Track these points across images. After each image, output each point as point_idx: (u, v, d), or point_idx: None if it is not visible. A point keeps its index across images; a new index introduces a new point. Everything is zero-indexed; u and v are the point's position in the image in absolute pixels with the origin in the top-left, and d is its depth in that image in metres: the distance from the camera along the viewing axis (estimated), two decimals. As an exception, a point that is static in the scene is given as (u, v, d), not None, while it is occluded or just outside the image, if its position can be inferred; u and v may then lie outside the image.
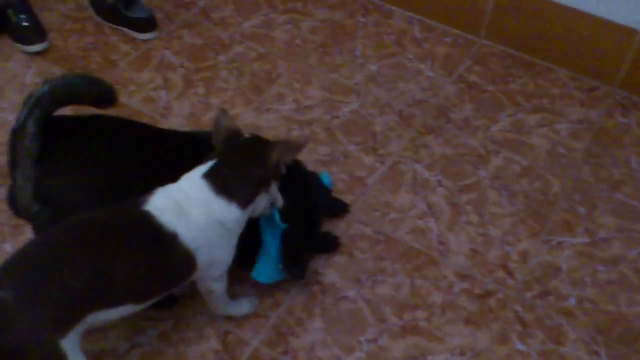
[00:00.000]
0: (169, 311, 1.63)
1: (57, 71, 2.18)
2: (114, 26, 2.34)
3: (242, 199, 1.36)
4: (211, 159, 1.38)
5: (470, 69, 2.27)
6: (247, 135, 1.43)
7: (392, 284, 1.72)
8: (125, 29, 2.32)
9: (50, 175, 1.37)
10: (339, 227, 1.82)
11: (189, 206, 1.32)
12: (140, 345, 1.58)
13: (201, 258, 1.35)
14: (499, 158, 2.01)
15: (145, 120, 2.04)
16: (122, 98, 2.11)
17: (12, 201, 1.43)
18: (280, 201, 1.50)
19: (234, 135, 1.41)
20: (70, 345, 1.20)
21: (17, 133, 1.35)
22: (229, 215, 1.35)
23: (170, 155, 1.51)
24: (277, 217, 1.51)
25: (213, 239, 1.36)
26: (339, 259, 1.76)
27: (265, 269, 1.58)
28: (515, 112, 2.15)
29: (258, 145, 1.40)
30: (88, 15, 2.38)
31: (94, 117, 1.50)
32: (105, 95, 1.44)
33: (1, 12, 2.26)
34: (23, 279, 1.19)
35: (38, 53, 2.23)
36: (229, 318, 1.62)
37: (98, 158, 1.42)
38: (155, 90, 2.15)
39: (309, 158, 1.97)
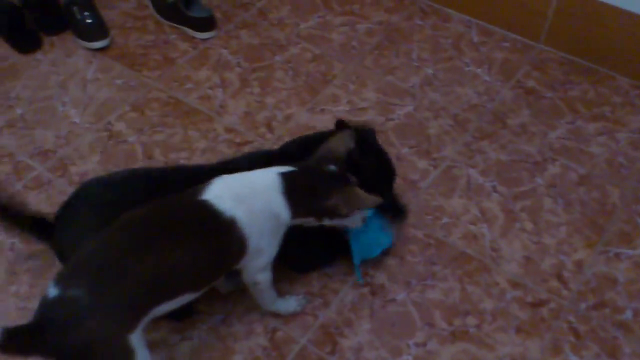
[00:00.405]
0: (219, 306, 1.64)
1: (117, 67, 2.23)
2: (174, 25, 2.38)
3: (295, 212, 1.43)
4: (296, 166, 1.45)
5: (528, 75, 2.23)
6: (332, 168, 1.46)
7: (442, 289, 1.70)
8: (185, 28, 2.35)
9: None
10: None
11: (251, 194, 1.38)
12: (190, 338, 1.60)
13: (251, 245, 1.38)
14: (556, 166, 1.98)
15: (201, 117, 2.08)
16: (180, 95, 2.15)
17: None
18: (357, 223, 1.54)
19: (326, 160, 1.46)
20: (137, 340, 1.24)
21: None
22: (284, 214, 1.41)
23: None
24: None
25: (265, 228, 1.40)
26: (389, 261, 1.75)
27: (362, 247, 1.64)
28: (574, 119, 2.10)
29: (328, 184, 1.44)
30: (149, 14, 2.43)
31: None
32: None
33: (66, 9, 2.33)
34: (93, 277, 1.22)
35: (100, 49, 2.29)
36: (278, 316, 1.63)
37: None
38: (211, 88, 2.18)
39: (362, 159, 1.97)
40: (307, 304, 1.65)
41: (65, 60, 2.26)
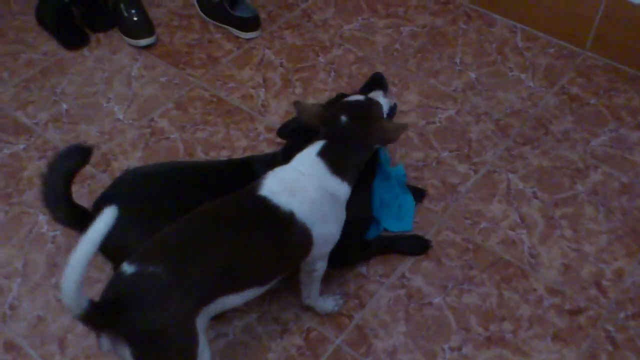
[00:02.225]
0: (255, 304, 1.66)
1: (162, 65, 2.27)
2: (219, 24, 2.40)
3: (352, 178, 1.45)
4: (319, 139, 1.45)
5: (572, 81, 2.20)
6: (344, 117, 1.46)
7: (479, 294, 1.69)
8: (230, 28, 2.38)
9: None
10: (428, 233, 1.81)
11: (303, 184, 1.39)
12: (225, 335, 1.61)
13: (317, 233, 1.40)
14: (598, 173, 1.95)
15: (242, 116, 2.10)
16: (222, 94, 2.17)
17: None
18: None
19: (332, 117, 1.47)
20: (201, 325, 1.26)
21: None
22: (341, 190, 1.43)
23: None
24: (385, 159, 1.71)
25: (327, 212, 1.42)
26: (426, 264, 1.74)
27: (390, 219, 1.78)
28: (618, 127, 2.07)
29: (360, 129, 1.45)
30: (194, 13, 2.46)
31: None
32: (88, 156, 1.49)
33: (114, 6, 2.37)
34: (172, 255, 1.25)
35: (145, 47, 2.33)
36: (313, 316, 1.64)
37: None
38: (254, 88, 2.20)
39: (401, 162, 1.96)
40: (343, 304, 1.66)
41: (111, 57, 2.30)
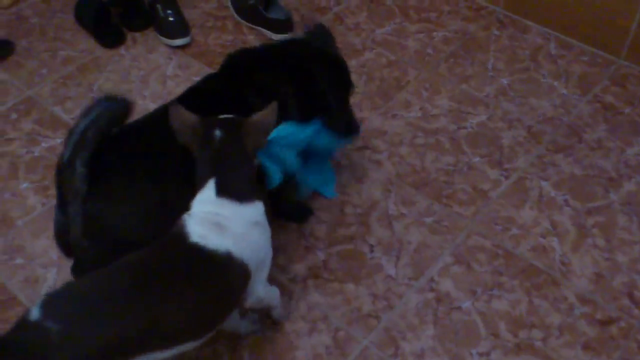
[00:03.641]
0: (283, 302, 1.66)
1: (196, 65, 2.29)
2: (252, 26, 2.42)
3: (257, 194, 1.38)
4: (205, 174, 1.35)
5: (606, 90, 2.19)
6: (216, 133, 1.35)
7: (508, 300, 1.68)
8: (263, 29, 2.40)
9: (100, 211, 1.35)
10: (457, 237, 1.80)
11: (225, 220, 1.31)
12: (254, 332, 1.62)
13: (252, 264, 1.34)
14: (631, 183, 1.93)
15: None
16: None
17: (61, 236, 1.41)
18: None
19: (205, 137, 1.35)
20: None
21: (64, 171, 1.33)
22: (257, 210, 1.37)
23: None
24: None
25: (256, 240, 1.36)
26: (456, 268, 1.74)
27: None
28: (653, 137, 2.05)
29: (234, 144, 1.36)
30: (228, 14, 2.48)
31: (124, 135, 1.45)
32: (128, 110, 1.43)
33: (150, 6, 2.41)
34: (70, 315, 1.16)
35: (180, 47, 2.36)
36: (342, 315, 1.64)
37: (143, 190, 1.40)
38: (286, 89, 2.21)
39: (432, 167, 1.97)
40: (259, 328, 1.62)
41: (146, 56, 2.33)
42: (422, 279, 1.72)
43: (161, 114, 1.45)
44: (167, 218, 1.36)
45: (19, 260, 1.75)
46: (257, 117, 1.37)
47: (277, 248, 1.76)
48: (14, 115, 2.12)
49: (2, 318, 1.63)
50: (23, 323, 1.15)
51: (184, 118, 1.36)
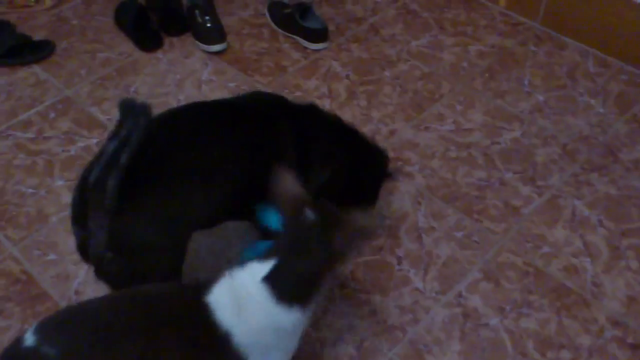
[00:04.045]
0: (310, 310, 1.66)
1: (231, 71, 2.31)
2: (288, 34, 2.44)
3: (306, 301, 1.21)
4: (275, 249, 1.22)
5: (645, 110, 2.16)
6: (309, 219, 1.20)
7: (537, 319, 1.66)
8: (298, 38, 2.41)
9: (126, 225, 1.33)
10: (487, 253, 1.78)
11: (249, 306, 1.18)
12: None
13: (254, 356, 1.20)
14: (668, 205, 1.90)
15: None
16: (289, 102, 2.19)
17: (83, 247, 1.38)
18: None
19: (297, 220, 1.21)
20: None
21: (91, 190, 1.28)
22: (288, 320, 1.20)
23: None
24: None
25: (269, 344, 1.21)
26: (484, 285, 1.72)
27: None
28: (692, 159, 2.01)
29: (321, 239, 1.19)
30: (265, 22, 2.50)
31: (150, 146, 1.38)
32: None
33: (188, 12, 2.43)
34: (71, 342, 1.12)
35: (216, 53, 2.38)
36: (368, 326, 1.63)
37: (169, 207, 1.37)
38: (319, 98, 2.21)
39: (463, 181, 1.95)
40: None
41: (183, 61, 2.36)
42: (450, 293, 1.71)
43: (192, 129, 1.45)
44: (184, 227, 1.37)
45: (51, 257, 1.77)
46: (360, 220, 1.20)
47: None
48: (52, 114, 2.16)
49: (32, 313, 1.65)
50: (18, 351, 1.12)
51: (289, 186, 1.25)
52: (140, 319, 1.16)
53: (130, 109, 1.31)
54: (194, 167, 1.41)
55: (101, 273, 1.40)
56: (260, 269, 1.19)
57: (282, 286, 1.18)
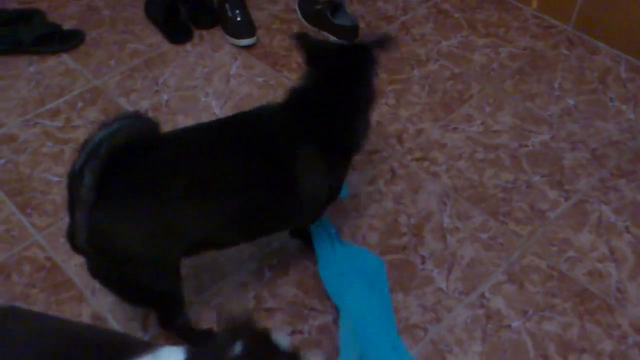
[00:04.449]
0: (332, 304, 1.66)
1: (260, 66, 2.31)
2: (318, 31, 2.44)
3: None
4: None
5: (676, 117, 2.13)
6: (237, 347, 1.05)
7: (560, 323, 1.64)
8: (328, 35, 2.41)
9: (104, 224, 1.31)
10: (512, 256, 1.77)
11: None
12: (300, 332, 1.62)
13: None
14: (697, 214, 1.87)
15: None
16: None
17: (71, 237, 1.37)
18: None
19: (221, 345, 1.07)
20: None
21: (73, 179, 1.28)
22: None
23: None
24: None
25: None
26: (508, 287, 1.71)
27: None
28: None
29: None
30: (294, 18, 2.50)
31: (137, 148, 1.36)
32: (153, 131, 1.39)
33: (219, 5, 2.44)
34: None
35: (245, 47, 2.38)
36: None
37: (149, 209, 1.34)
38: (347, 95, 2.21)
39: (490, 182, 1.94)
40: None
41: (212, 54, 2.37)
42: (473, 294, 1.70)
43: (185, 135, 1.46)
44: (171, 240, 1.36)
45: (76, 244, 1.79)
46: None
47: (328, 252, 1.77)
48: (80, 104, 2.18)
49: (57, 300, 1.67)
50: None
51: (233, 311, 1.23)
52: None
53: (134, 116, 1.35)
54: (194, 181, 1.37)
55: (89, 269, 1.41)
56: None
57: None
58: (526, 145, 2.05)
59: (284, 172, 1.46)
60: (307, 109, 1.51)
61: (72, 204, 1.32)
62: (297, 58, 2.34)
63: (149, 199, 1.34)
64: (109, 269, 1.37)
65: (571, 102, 2.18)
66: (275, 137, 1.47)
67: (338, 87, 1.53)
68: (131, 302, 1.52)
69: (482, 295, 1.69)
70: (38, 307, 1.65)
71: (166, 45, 2.40)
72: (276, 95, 2.20)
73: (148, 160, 1.36)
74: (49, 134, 2.08)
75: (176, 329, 1.55)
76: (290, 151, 1.46)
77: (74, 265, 1.74)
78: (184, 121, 2.12)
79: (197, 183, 1.37)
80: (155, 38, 2.42)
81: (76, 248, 1.36)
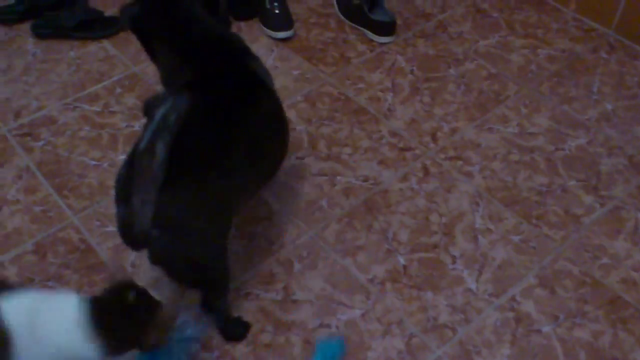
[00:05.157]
0: (360, 300, 1.66)
1: (296, 59, 2.31)
2: (355, 26, 2.43)
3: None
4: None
5: None
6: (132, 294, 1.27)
7: (592, 330, 1.62)
8: (365, 30, 2.40)
9: (172, 200, 1.30)
10: (544, 260, 1.75)
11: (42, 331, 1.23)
12: (328, 326, 1.62)
13: None
14: None
15: (368, 117, 2.11)
16: (350, 93, 2.19)
17: (126, 228, 1.33)
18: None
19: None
20: None
21: (142, 156, 1.26)
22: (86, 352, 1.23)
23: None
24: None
25: None
26: (539, 291, 1.69)
27: None
28: None
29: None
30: (332, 12, 2.50)
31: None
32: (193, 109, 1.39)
33: (258, -3, 2.45)
34: None
35: (282, 40, 2.38)
36: (418, 322, 1.62)
37: (216, 182, 1.36)
38: (382, 91, 2.20)
39: (524, 185, 1.92)
40: None
41: (249, 46, 2.36)
42: (503, 296, 1.68)
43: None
44: (231, 212, 1.42)
45: (110, 228, 1.81)
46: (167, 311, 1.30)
47: (359, 246, 1.77)
48: (118, 90, 2.20)
49: (90, 281, 1.69)
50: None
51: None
52: None
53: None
54: (251, 145, 1.45)
55: (151, 256, 1.37)
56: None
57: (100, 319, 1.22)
58: (562, 149, 2.03)
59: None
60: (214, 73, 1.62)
61: (128, 193, 1.27)
62: (334, 52, 2.34)
63: (214, 173, 1.36)
64: (173, 251, 1.34)
65: (609, 107, 2.15)
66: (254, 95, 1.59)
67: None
68: (192, 284, 1.48)
69: (513, 299, 1.68)
70: (71, 288, 1.67)
71: (204, 35, 2.40)
72: (312, 89, 2.20)
73: (199, 135, 1.37)
74: (87, 118, 2.10)
75: (218, 311, 1.55)
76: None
77: (107, 248, 1.76)
78: (219, 111, 2.13)
79: (253, 146, 1.44)
80: (193, 27, 2.43)
81: (134, 238, 1.30)
